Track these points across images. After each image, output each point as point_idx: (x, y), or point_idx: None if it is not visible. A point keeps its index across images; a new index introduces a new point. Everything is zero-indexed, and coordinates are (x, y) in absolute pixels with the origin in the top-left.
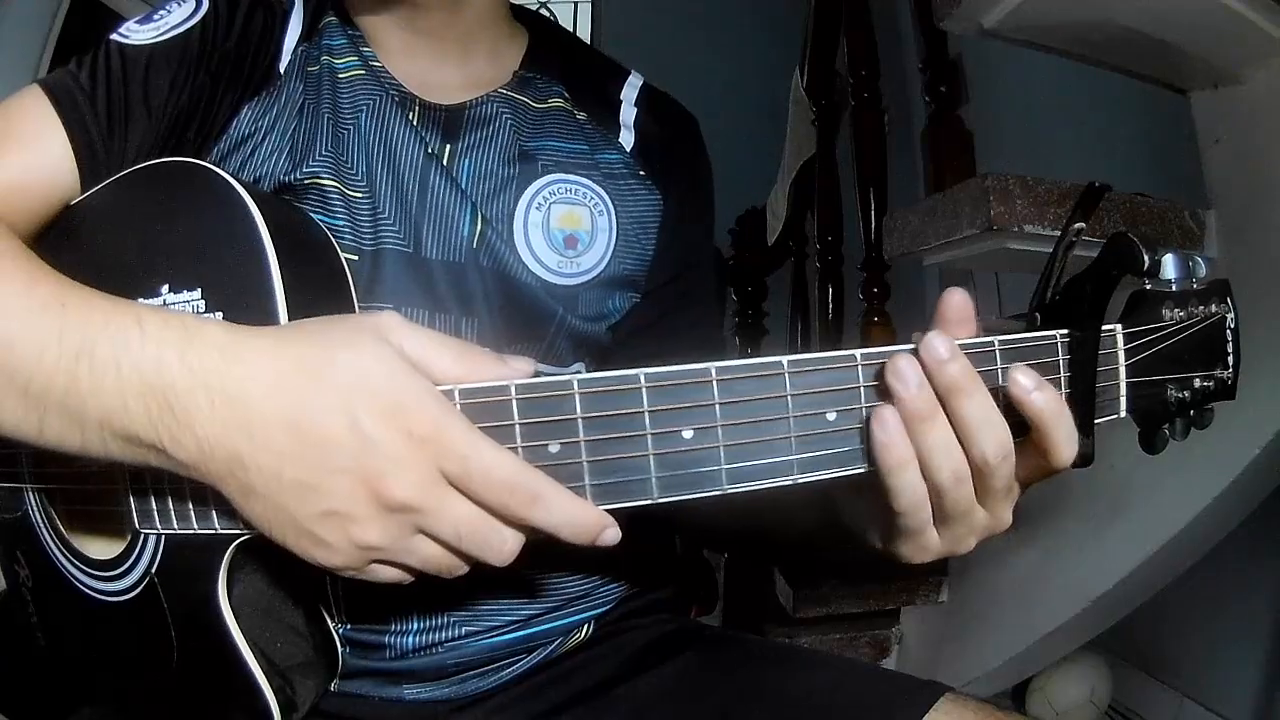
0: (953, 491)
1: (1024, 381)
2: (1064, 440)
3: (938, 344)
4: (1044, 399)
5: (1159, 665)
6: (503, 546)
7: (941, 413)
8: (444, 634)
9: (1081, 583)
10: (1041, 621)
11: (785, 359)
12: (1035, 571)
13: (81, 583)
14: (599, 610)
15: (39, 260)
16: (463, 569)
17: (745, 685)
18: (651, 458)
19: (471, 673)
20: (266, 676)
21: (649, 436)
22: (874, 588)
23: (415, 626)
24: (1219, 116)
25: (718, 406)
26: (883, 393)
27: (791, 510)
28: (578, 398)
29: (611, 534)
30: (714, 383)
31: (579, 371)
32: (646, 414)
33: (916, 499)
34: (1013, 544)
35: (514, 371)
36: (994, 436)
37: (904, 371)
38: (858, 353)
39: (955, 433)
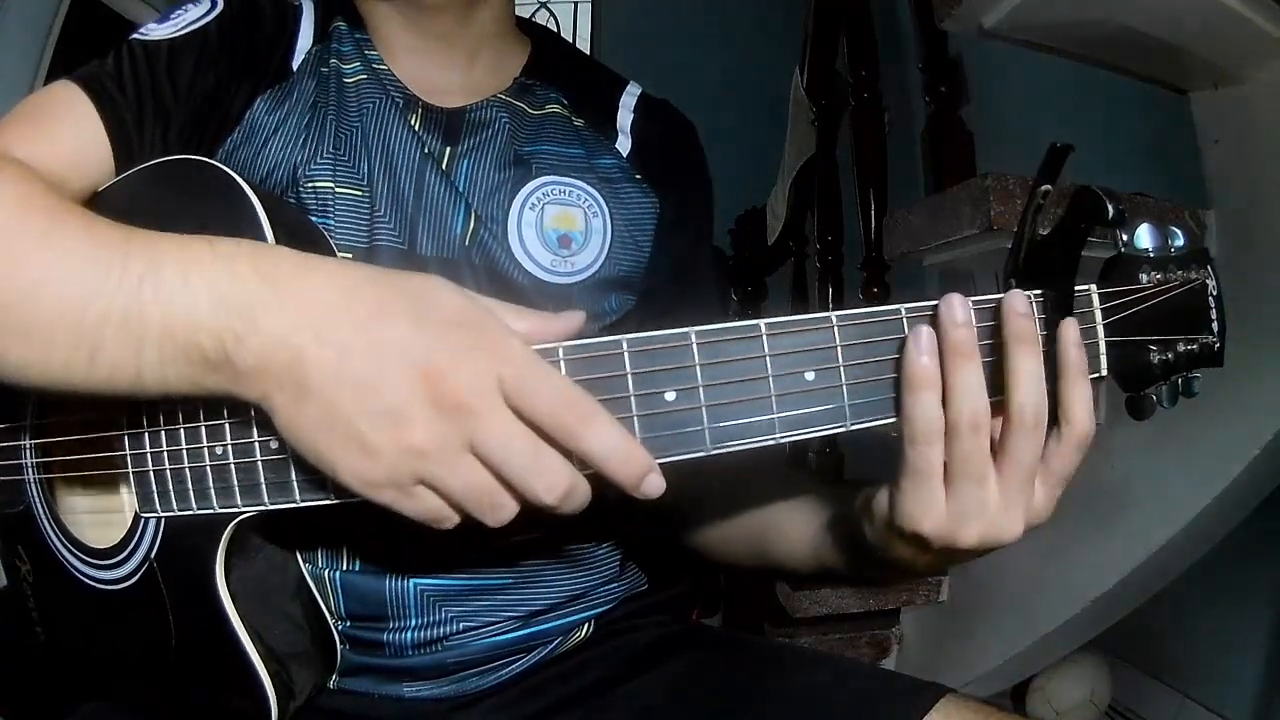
0: (968, 439)
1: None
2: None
3: (1020, 300)
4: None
5: (1159, 665)
6: (553, 474)
7: (979, 358)
8: (443, 630)
9: (1081, 583)
10: (1041, 621)
11: (763, 322)
12: (1035, 571)
13: (81, 573)
14: (599, 610)
15: (94, 214)
16: (507, 507)
17: (745, 686)
18: (635, 419)
19: (471, 671)
20: (264, 661)
21: (632, 398)
22: (874, 588)
23: (414, 623)
24: (1219, 116)
25: (698, 368)
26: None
27: (796, 528)
28: (563, 364)
29: (655, 481)
30: (694, 345)
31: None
32: (629, 376)
33: (929, 427)
34: (1013, 544)
35: (566, 324)
36: (1038, 395)
37: (956, 307)
38: (833, 315)
39: (1002, 383)
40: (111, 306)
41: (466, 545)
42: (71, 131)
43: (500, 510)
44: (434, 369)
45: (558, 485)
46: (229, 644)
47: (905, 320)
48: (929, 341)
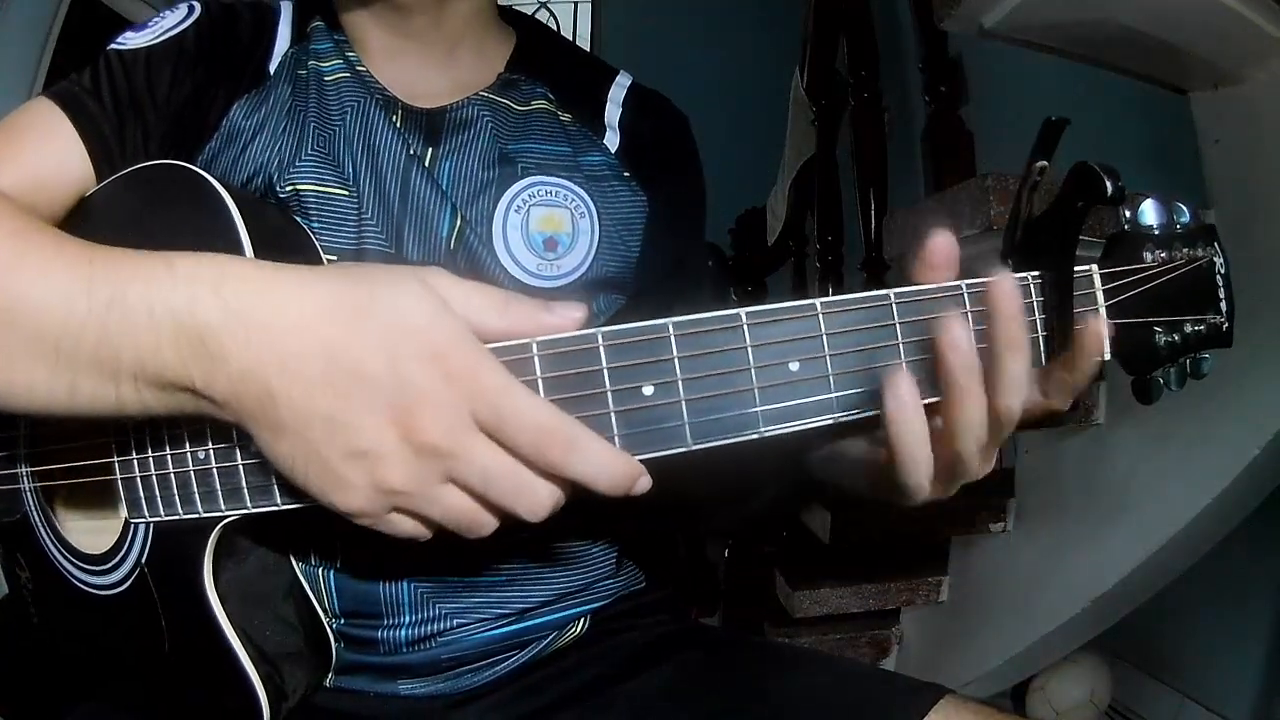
0: (972, 460)
1: None
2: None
3: (1014, 302)
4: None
5: (1159, 665)
6: (534, 497)
7: (981, 383)
8: (436, 626)
9: (1081, 583)
10: (1041, 621)
11: (744, 311)
12: (1035, 571)
13: (77, 579)
14: (594, 605)
15: (63, 233)
16: (488, 525)
17: (744, 686)
18: (613, 415)
19: (465, 668)
20: (254, 663)
21: (609, 394)
22: (874, 588)
23: (408, 620)
24: (1219, 116)
25: (677, 361)
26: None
27: (759, 479)
28: (537, 360)
29: (644, 482)
30: (672, 338)
31: None
32: (605, 372)
33: (922, 468)
34: (1013, 544)
35: (560, 319)
36: (1022, 394)
37: (960, 339)
38: (818, 302)
39: (989, 387)
40: (82, 339)
41: (458, 545)
42: (50, 149)
43: (482, 528)
44: (405, 410)
45: (540, 507)
46: (219, 646)
47: (894, 306)
48: (911, 394)
